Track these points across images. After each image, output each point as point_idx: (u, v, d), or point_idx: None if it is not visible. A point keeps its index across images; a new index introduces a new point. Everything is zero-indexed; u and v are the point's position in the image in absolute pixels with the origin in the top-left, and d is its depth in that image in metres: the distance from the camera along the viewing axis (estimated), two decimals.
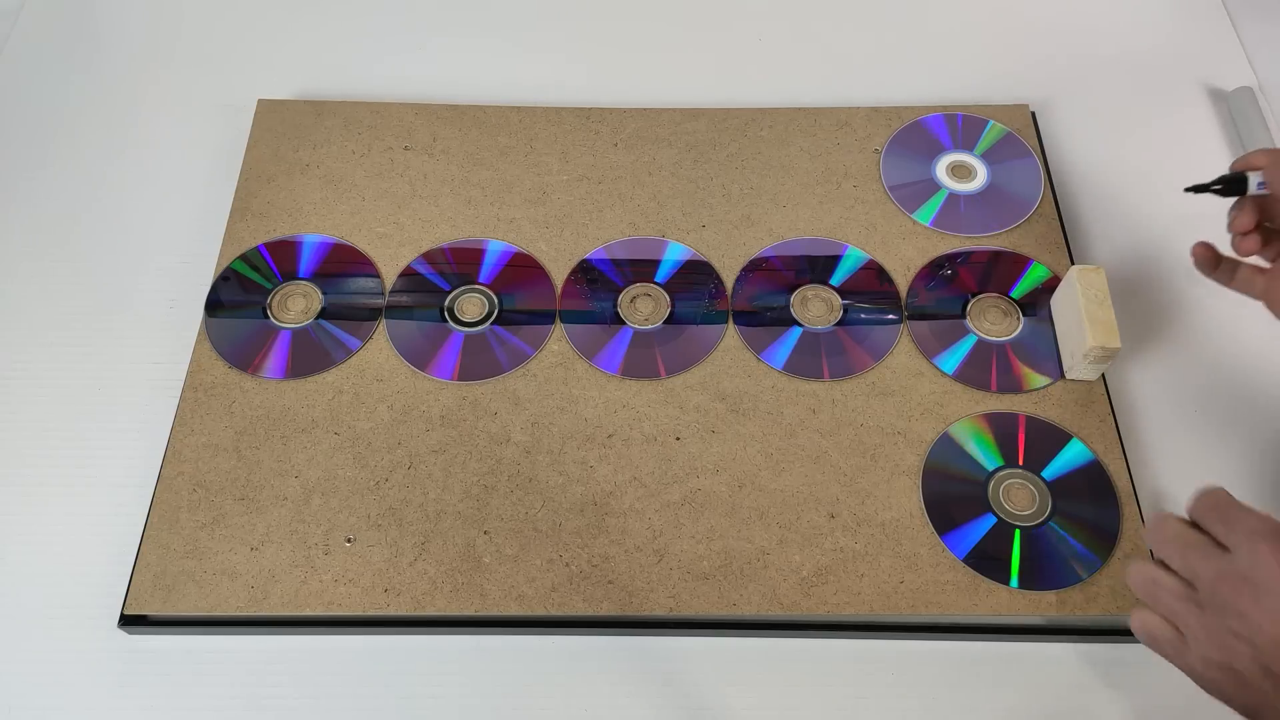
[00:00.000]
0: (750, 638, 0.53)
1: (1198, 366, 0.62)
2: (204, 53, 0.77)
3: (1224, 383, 0.62)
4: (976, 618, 0.53)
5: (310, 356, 0.60)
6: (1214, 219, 0.70)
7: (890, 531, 0.55)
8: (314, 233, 0.65)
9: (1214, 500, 0.45)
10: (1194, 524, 0.46)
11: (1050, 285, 0.63)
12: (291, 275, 0.64)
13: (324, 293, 0.63)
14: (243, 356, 0.60)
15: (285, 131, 0.70)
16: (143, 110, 0.74)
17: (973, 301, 0.63)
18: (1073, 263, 0.65)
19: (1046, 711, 0.52)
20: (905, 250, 0.65)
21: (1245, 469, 0.59)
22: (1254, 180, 0.54)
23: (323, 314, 0.62)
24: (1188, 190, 0.56)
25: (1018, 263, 0.65)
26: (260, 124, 0.70)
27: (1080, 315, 0.58)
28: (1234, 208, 0.55)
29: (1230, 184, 0.55)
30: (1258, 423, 0.60)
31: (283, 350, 0.61)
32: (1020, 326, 0.62)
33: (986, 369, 0.60)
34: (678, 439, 0.58)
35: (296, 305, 0.63)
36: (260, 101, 0.71)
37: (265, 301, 0.63)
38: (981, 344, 0.61)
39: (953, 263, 0.64)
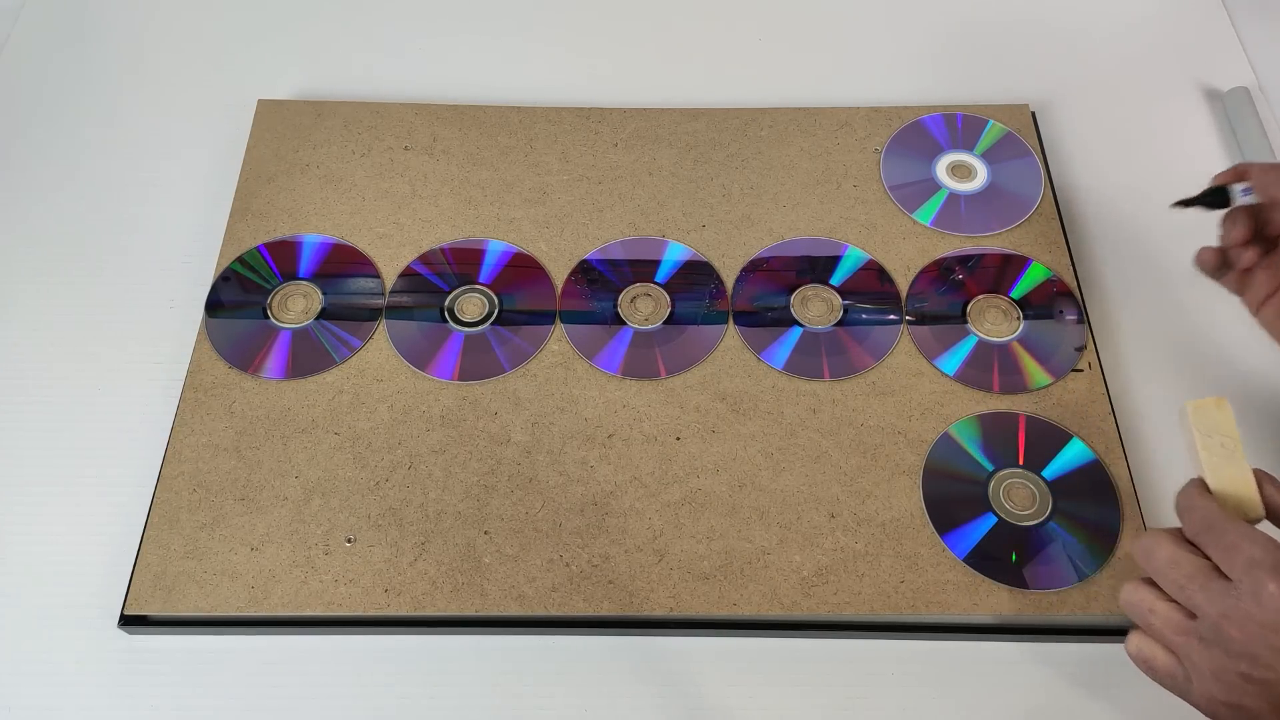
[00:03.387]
0: (750, 638, 0.53)
1: (1198, 365, 0.62)
2: (204, 53, 0.77)
3: (1225, 382, 0.62)
4: (976, 618, 0.53)
5: (310, 357, 0.60)
6: (1212, 219, 0.70)
7: (890, 531, 0.55)
8: (314, 233, 0.65)
9: (1207, 519, 0.43)
10: (1187, 541, 0.43)
11: (1048, 284, 0.63)
12: (292, 275, 0.64)
13: (324, 293, 0.63)
14: (243, 357, 0.60)
15: (285, 132, 0.70)
16: (143, 110, 0.74)
17: (973, 302, 0.63)
18: (1073, 262, 0.65)
19: (1046, 712, 0.52)
20: (905, 250, 0.65)
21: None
22: (1238, 189, 0.53)
23: (322, 314, 0.62)
24: (1174, 206, 0.55)
25: (1017, 263, 0.65)
26: (260, 124, 0.70)
27: (1202, 472, 0.46)
28: (1225, 220, 0.54)
29: (1214, 197, 0.54)
30: (1257, 422, 0.60)
31: (283, 350, 0.61)
32: (1021, 327, 0.62)
33: (988, 369, 0.60)
34: (678, 439, 0.58)
35: (296, 305, 0.63)
36: (260, 102, 0.71)
37: (265, 302, 0.63)
38: (982, 345, 0.61)
39: (962, 266, 0.64)
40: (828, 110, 0.72)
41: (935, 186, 0.68)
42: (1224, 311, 0.64)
